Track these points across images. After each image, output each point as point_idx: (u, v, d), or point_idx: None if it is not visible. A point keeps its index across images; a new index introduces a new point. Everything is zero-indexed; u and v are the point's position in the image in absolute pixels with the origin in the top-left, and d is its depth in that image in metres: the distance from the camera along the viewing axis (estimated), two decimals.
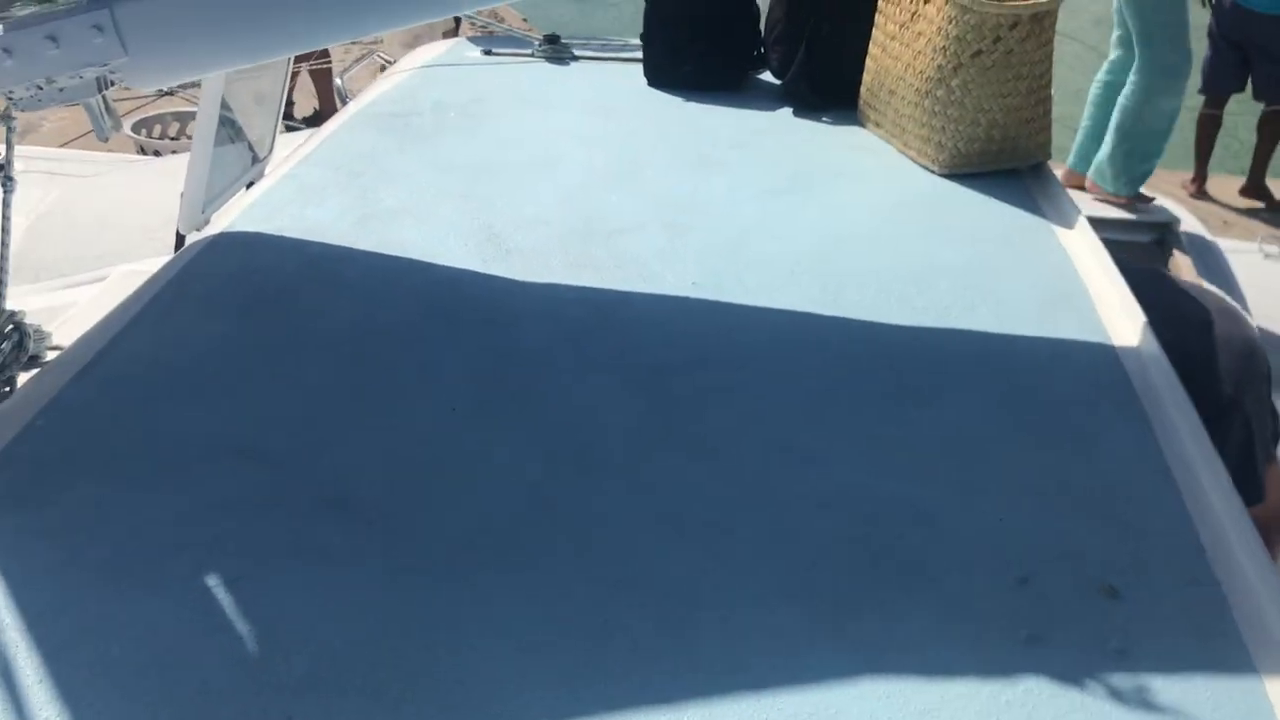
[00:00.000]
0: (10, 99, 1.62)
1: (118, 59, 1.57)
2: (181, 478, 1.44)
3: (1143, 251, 4.43)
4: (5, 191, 1.85)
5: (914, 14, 2.61)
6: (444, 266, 1.96)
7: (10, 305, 1.85)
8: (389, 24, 1.76)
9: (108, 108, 1.70)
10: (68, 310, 3.00)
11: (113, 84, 1.63)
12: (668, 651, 1.23)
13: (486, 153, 2.46)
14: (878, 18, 2.78)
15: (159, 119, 6.49)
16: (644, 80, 3.06)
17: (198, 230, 2.47)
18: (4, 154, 1.77)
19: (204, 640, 1.20)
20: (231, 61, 1.77)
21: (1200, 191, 7.18)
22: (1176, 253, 4.30)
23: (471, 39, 3.34)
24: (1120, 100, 4.48)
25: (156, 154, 5.96)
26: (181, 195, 2.43)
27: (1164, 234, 4.46)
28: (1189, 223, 4.55)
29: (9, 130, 1.73)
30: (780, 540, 1.40)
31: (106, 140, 1.83)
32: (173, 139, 6.39)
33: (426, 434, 1.56)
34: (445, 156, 2.42)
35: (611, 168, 2.43)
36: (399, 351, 1.74)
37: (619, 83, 3.03)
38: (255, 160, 2.77)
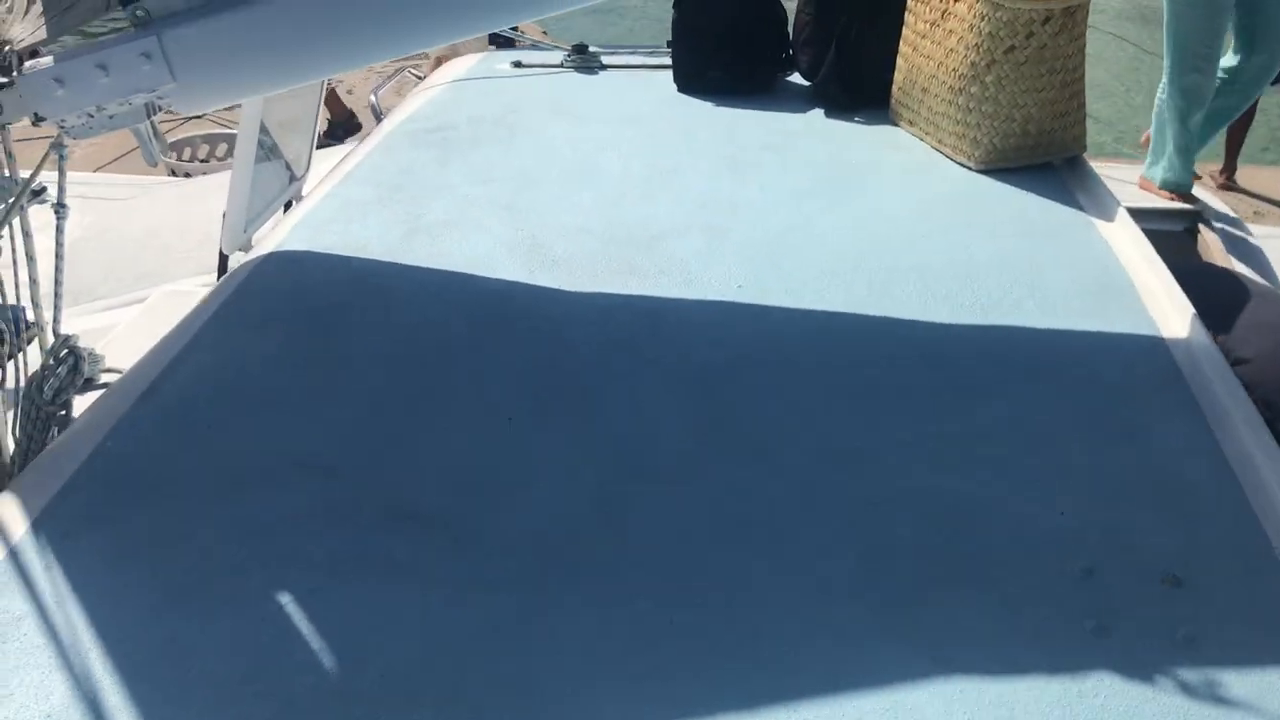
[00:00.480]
0: (62, 127, 1.65)
1: (166, 85, 1.59)
2: (249, 494, 1.46)
3: (1175, 241, 4.41)
4: (59, 218, 1.87)
5: (945, 12, 2.61)
6: (491, 278, 1.98)
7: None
8: (426, 44, 1.77)
9: (155, 132, 1.72)
10: (110, 332, 3.04)
11: (160, 109, 1.66)
12: (736, 652, 1.23)
13: (524, 164, 2.48)
14: (907, 17, 2.78)
15: (188, 142, 6.55)
16: (673, 87, 3.07)
17: (240, 250, 2.50)
18: (57, 181, 1.80)
19: (283, 654, 1.21)
20: (276, 84, 1.79)
21: (1229, 182, 7.12)
22: (1204, 230, 4.29)
23: (500, 52, 3.36)
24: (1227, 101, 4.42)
25: (188, 176, 6.01)
26: (224, 216, 2.46)
27: (1195, 222, 4.44)
28: (1220, 212, 4.52)
29: (60, 158, 1.76)
30: (840, 539, 1.40)
31: (155, 164, 1.85)
32: (202, 161, 6.46)
33: (485, 444, 1.57)
34: (485, 169, 2.44)
35: (648, 174, 2.44)
36: (452, 363, 1.76)
37: (648, 90, 3.05)
38: (293, 179, 2.80)
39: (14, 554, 1.32)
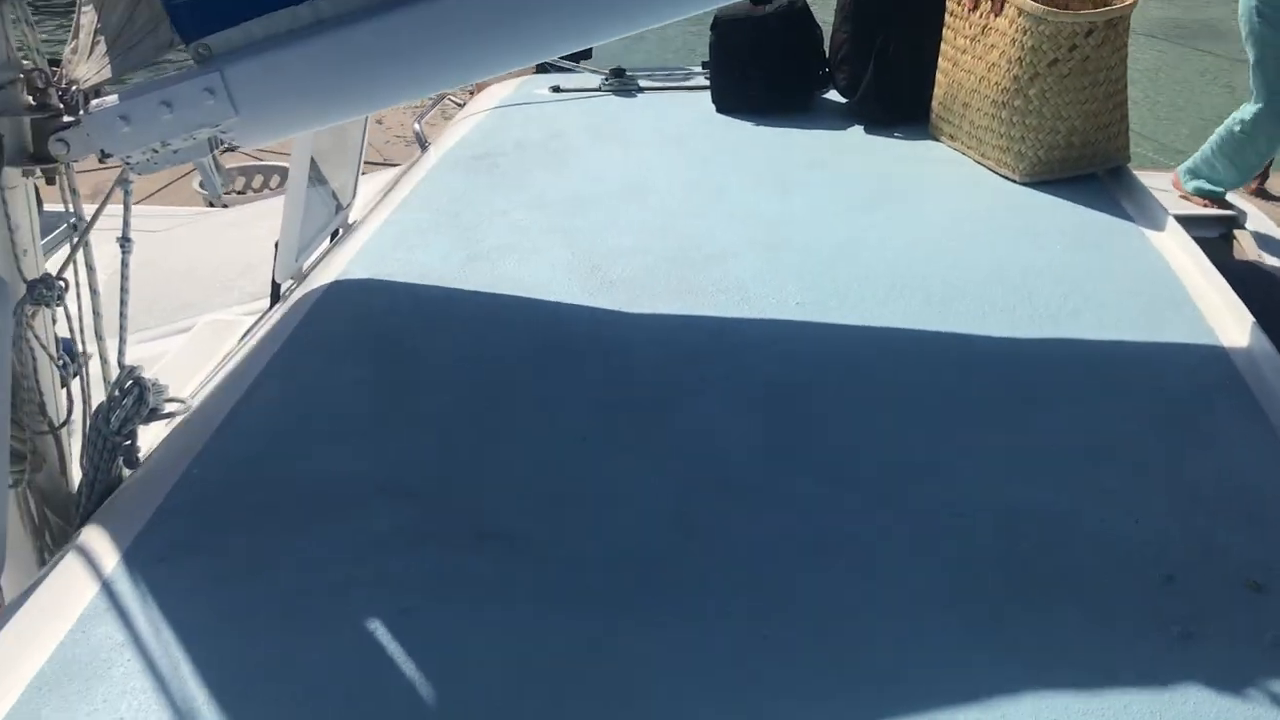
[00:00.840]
0: (127, 163, 1.67)
1: (229, 119, 1.61)
2: (335, 519, 1.48)
3: (1211, 246, 4.41)
4: (124, 252, 1.91)
5: (985, 27, 2.61)
6: (552, 300, 2.00)
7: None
8: (479, 75, 1.80)
9: (218, 166, 1.75)
10: (157, 362, 3.07)
11: (223, 143, 1.68)
12: (828, 665, 1.24)
13: (574, 187, 2.50)
14: (945, 33, 2.79)
15: (225, 173, 6.64)
16: (711, 107, 3.09)
17: (292, 279, 2.53)
18: (122, 215, 1.83)
19: (384, 674, 1.22)
20: (336, 116, 1.81)
21: (1261, 189, 7.08)
22: (1239, 234, 4.28)
23: (539, 76, 3.39)
24: None
25: (225, 207, 6.09)
26: (275, 245, 2.49)
27: (1231, 228, 4.44)
28: (1255, 218, 4.51)
29: (125, 193, 1.79)
30: (920, 552, 1.41)
31: (218, 197, 1.89)
32: (239, 192, 6.54)
33: (561, 464, 1.59)
34: (536, 193, 2.47)
35: (697, 194, 2.46)
36: (520, 385, 1.78)
37: (688, 111, 3.07)
38: (338, 209, 2.84)
39: (109, 582, 1.35)
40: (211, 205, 6.30)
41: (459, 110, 3.37)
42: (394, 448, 1.63)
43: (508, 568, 1.39)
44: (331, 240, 2.78)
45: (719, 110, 3.07)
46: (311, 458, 1.62)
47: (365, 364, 1.85)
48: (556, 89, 3.22)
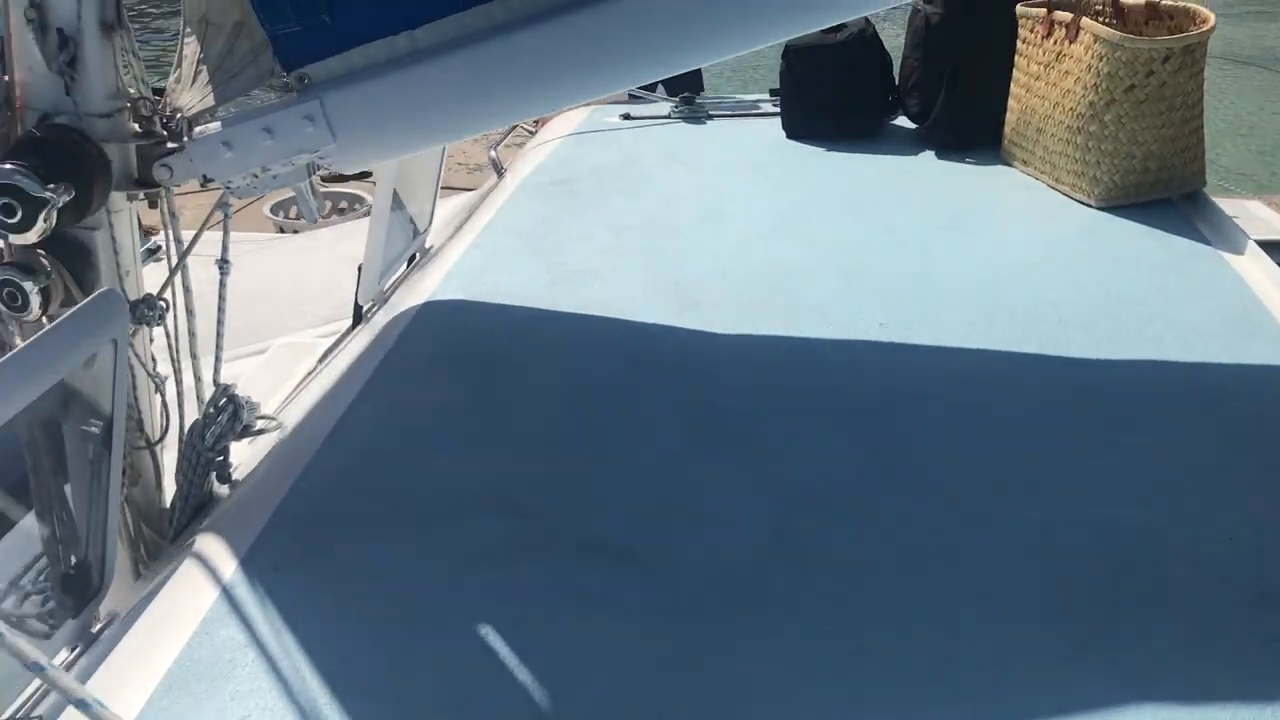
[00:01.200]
0: (228, 187, 1.73)
1: (327, 145, 1.67)
2: (441, 530, 1.52)
3: None
4: (221, 273, 1.97)
5: (1059, 54, 2.62)
6: (638, 321, 2.04)
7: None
8: (567, 102, 1.85)
9: (314, 190, 1.80)
10: (235, 381, 3.14)
11: (320, 167, 1.74)
12: (928, 679, 1.25)
13: (652, 212, 2.55)
14: (1018, 59, 2.80)
15: (294, 200, 6.78)
16: (781, 134, 3.12)
17: (373, 301, 2.59)
18: (221, 239, 1.89)
19: (491, 680, 1.25)
20: (428, 142, 1.87)
21: None
22: None
23: (609, 104, 3.44)
24: None
25: (295, 232, 6.22)
26: (359, 268, 2.55)
27: None
28: None
29: (225, 217, 1.86)
30: (1016, 569, 1.41)
31: (314, 220, 1.95)
32: (301, 218, 6.67)
33: (659, 479, 1.62)
34: (615, 218, 2.51)
35: (772, 219, 2.49)
36: (612, 403, 1.82)
37: (757, 137, 3.10)
38: (416, 233, 2.89)
39: (229, 587, 1.39)
40: (283, 231, 6.45)
41: (530, 137, 3.43)
42: (494, 462, 1.67)
43: (611, 579, 1.41)
44: (409, 265, 2.84)
45: (789, 136, 3.10)
46: (414, 471, 1.66)
47: (461, 381, 1.89)
48: (627, 116, 3.27)
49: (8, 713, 1.40)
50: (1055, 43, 2.63)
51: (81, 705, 0.79)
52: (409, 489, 1.62)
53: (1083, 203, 2.59)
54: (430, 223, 2.98)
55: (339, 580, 1.42)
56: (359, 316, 2.57)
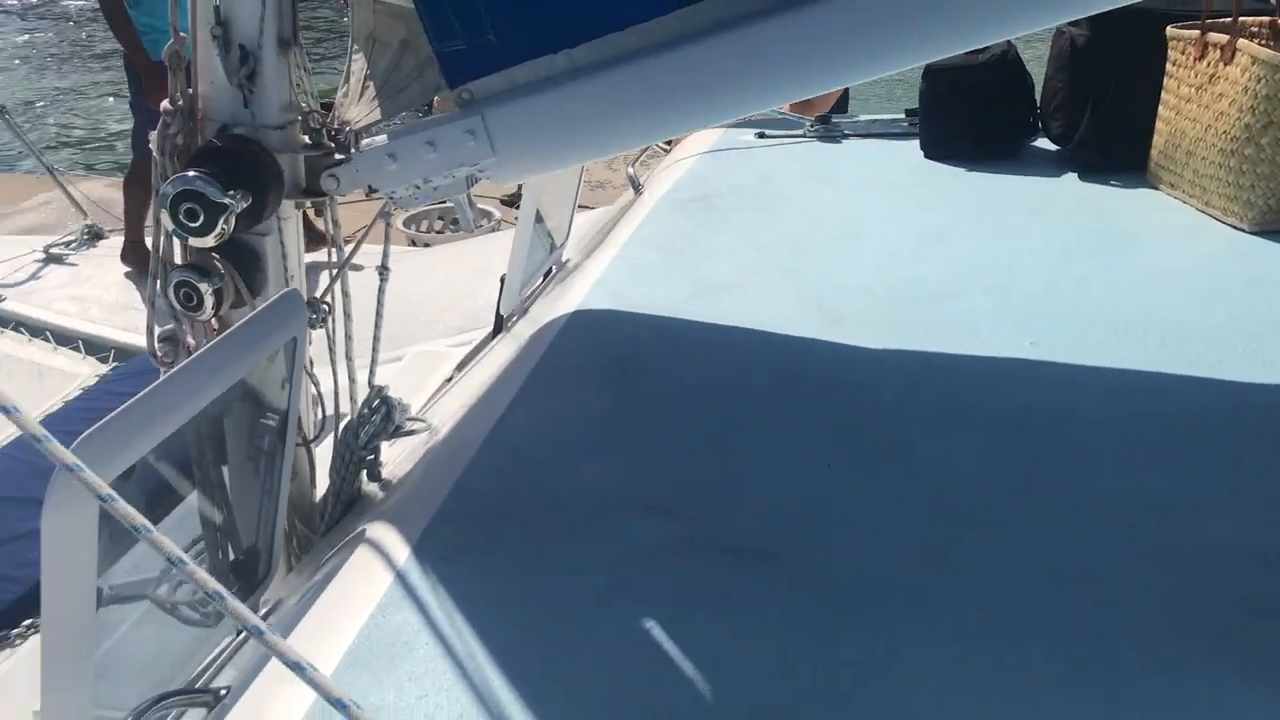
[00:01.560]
0: (391, 198, 1.81)
1: (487, 159, 1.72)
2: (597, 531, 1.56)
3: None
4: (381, 280, 2.05)
5: (1212, 76, 2.55)
6: (780, 334, 2.05)
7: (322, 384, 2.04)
8: (719, 119, 1.88)
9: (471, 201, 1.87)
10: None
11: (478, 180, 1.80)
12: (1085, 700, 1.23)
13: (791, 229, 2.56)
14: (1167, 81, 2.74)
15: (425, 215, 6.99)
16: (919, 154, 3.11)
17: (514, 312, 2.66)
18: (383, 247, 1.97)
19: (657, 680, 1.28)
20: (584, 157, 1.92)
21: None
22: None
23: (743, 123, 3.48)
24: None
25: (427, 245, 6.41)
26: (502, 279, 2.63)
27: None
28: None
29: (386, 226, 1.94)
30: (1171, 588, 1.39)
31: (470, 230, 2.02)
32: (438, 232, 6.87)
33: (807, 489, 1.63)
34: (754, 234, 2.54)
35: (913, 238, 2.49)
36: (760, 412, 1.84)
37: (895, 157, 3.10)
38: (553, 247, 2.97)
39: (403, 574, 1.46)
40: (414, 244, 6.65)
41: (664, 155, 3.48)
42: (646, 466, 1.70)
43: (763, 585, 1.43)
44: (545, 278, 2.91)
45: (927, 156, 3.09)
46: (570, 474, 1.70)
47: (611, 388, 1.93)
48: (762, 135, 3.30)
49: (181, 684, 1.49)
50: (1209, 65, 2.57)
51: (297, 669, 0.85)
52: (565, 490, 1.66)
53: (1234, 226, 2.52)
54: (567, 237, 3.05)
55: (503, 574, 1.47)
56: (500, 326, 2.65)
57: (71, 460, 0.91)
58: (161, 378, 1.41)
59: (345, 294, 2.06)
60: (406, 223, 6.73)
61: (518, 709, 1.23)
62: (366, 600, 1.41)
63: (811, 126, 3.33)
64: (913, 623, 1.36)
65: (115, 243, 6.32)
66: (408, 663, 1.30)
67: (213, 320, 1.92)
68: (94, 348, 5.25)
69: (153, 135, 1.81)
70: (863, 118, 3.50)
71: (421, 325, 4.69)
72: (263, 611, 1.66)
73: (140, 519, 0.88)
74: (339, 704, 0.84)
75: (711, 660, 1.30)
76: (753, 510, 1.59)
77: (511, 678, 1.25)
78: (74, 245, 6.13)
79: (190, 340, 1.94)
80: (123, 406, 1.25)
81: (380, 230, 2.07)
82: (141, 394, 1.30)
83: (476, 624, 1.34)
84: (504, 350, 2.23)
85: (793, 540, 1.52)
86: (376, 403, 2.02)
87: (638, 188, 3.07)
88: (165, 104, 1.83)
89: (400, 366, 3.60)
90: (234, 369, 1.55)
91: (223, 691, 1.42)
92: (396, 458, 2.14)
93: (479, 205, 6.82)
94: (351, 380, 2.12)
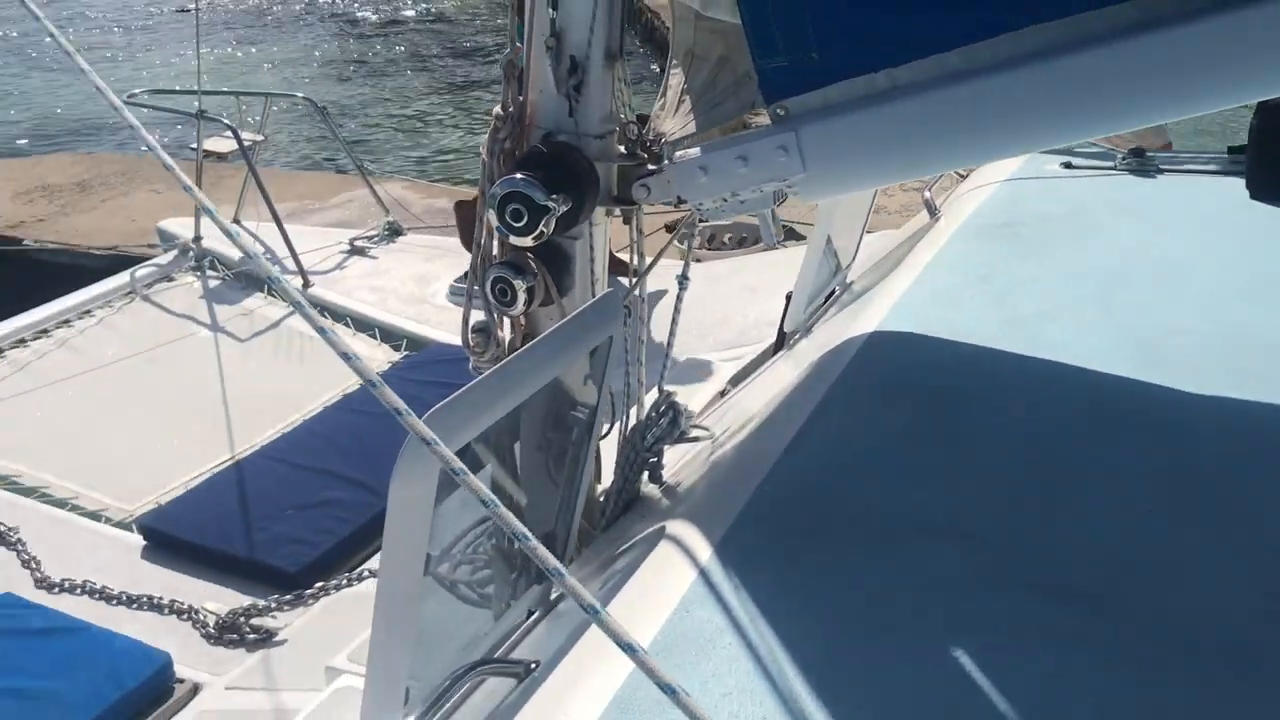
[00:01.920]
0: (699, 209, 1.85)
1: (796, 175, 1.73)
2: (902, 551, 1.54)
3: None
4: (680, 289, 2.11)
5: None
6: (1098, 372, 1.96)
7: None
8: (1042, 146, 1.80)
9: (775, 217, 1.89)
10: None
11: (786, 196, 1.81)
12: None
13: (1104, 262, 2.44)
14: None
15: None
16: (1244, 193, 2.88)
17: (798, 330, 2.67)
18: (686, 256, 2.03)
19: (958, 707, 1.25)
20: (896, 177, 1.89)
21: None
22: None
23: (1048, 151, 3.34)
24: None
25: (698, 261, 6.52)
26: (788, 296, 2.64)
27: None
28: None
29: (691, 237, 1.98)
30: None
31: (774, 245, 2.03)
32: (711, 249, 6.99)
33: (1127, 532, 1.55)
34: (1066, 265, 2.43)
35: (1241, 279, 2.31)
36: (1075, 450, 1.76)
37: (1215, 195, 2.89)
38: (838, 269, 2.95)
39: (705, 572, 1.49)
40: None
41: (959, 179, 3.39)
42: (953, 491, 1.66)
43: (1079, 623, 1.37)
44: (827, 298, 2.90)
45: (1253, 196, 2.86)
46: (874, 490, 1.69)
47: (915, 410, 1.90)
48: (1069, 165, 3.15)
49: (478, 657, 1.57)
50: None
51: (629, 650, 0.88)
52: (869, 507, 1.64)
53: None
54: (853, 259, 3.02)
55: (806, 585, 1.47)
56: (781, 342, 2.66)
57: (428, 434, 0.98)
58: (492, 368, 1.50)
59: (643, 300, 2.13)
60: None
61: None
62: (671, 595, 1.44)
63: (1123, 160, 3.16)
64: (1246, 683, 1.27)
65: (413, 239, 6.80)
66: (711, 660, 1.32)
67: (520, 318, 2.03)
68: (388, 336, 5.66)
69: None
70: (1180, 153, 3.28)
71: (693, 337, 4.79)
72: (554, 595, 1.73)
73: (488, 493, 0.94)
74: (668, 689, 0.86)
75: (1022, 692, 1.25)
76: (1068, 548, 1.52)
77: (817, 689, 1.25)
78: (376, 240, 6.65)
79: (500, 333, 2.07)
80: (463, 389, 1.33)
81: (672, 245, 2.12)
82: (480, 378, 1.39)
83: (780, 630, 1.34)
84: (787, 366, 2.23)
85: (1114, 583, 1.44)
86: (664, 407, 2.07)
87: (934, 211, 3.00)
88: (496, 109, 1.96)
89: (671, 375, 3.68)
90: (558, 361, 1.63)
91: (533, 665, 1.49)
92: (673, 463, 2.18)
93: (749, 222, 6.89)
94: (640, 383, 2.18)
